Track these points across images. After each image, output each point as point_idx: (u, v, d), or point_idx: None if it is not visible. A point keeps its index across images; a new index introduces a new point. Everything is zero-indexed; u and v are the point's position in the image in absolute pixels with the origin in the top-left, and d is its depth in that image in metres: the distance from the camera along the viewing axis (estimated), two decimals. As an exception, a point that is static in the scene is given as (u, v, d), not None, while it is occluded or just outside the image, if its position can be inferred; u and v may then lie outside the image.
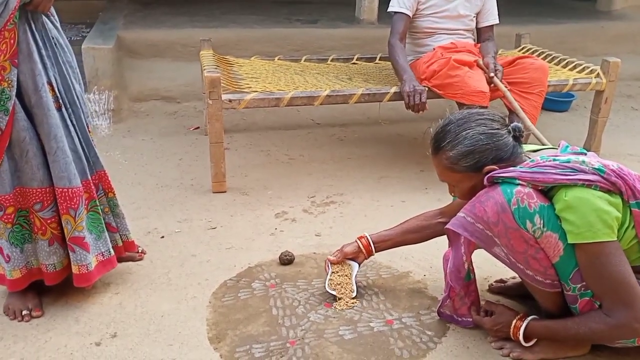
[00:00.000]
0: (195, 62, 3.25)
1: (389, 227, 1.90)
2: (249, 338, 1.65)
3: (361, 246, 1.86)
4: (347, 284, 1.82)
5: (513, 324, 1.56)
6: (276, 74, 2.91)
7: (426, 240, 1.86)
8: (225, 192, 2.58)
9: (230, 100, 2.44)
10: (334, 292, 1.81)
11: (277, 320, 1.72)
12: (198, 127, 3.36)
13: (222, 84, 2.44)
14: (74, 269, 1.72)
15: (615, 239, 1.39)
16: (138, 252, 2.04)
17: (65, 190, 1.65)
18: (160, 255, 2.07)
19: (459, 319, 1.71)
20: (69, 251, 1.71)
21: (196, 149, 3.06)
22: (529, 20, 4.65)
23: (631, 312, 1.40)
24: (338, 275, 1.84)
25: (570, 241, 1.40)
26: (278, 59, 3.17)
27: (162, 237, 2.20)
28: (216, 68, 2.59)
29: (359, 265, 1.88)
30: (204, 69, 2.55)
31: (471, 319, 1.69)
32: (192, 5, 4.75)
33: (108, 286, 1.88)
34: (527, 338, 1.56)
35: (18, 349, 1.59)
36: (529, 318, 1.55)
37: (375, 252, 1.87)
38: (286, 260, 2.02)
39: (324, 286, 1.83)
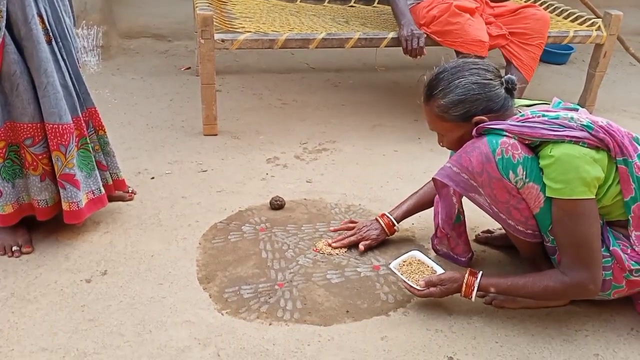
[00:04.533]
0: (187, -1, 3.15)
1: (404, 199, 1.87)
2: (238, 279, 1.67)
3: (383, 225, 1.82)
4: (426, 270, 1.63)
5: (465, 283, 1.52)
6: (271, 14, 2.82)
7: None
8: (216, 135, 2.55)
9: (222, 40, 2.37)
10: (420, 287, 1.56)
11: (266, 263, 1.74)
12: (189, 68, 3.28)
13: (214, 23, 2.36)
14: (64, 206, 1.72)
15: (592, 197, 1.40)
16: (128, 192, 2.03)
17: (56, 126, 1.62)
18: (150, 196, 2.07)
19: (455, 257, 1.77)
20: (60, 188, 1.70)
21: (187, 90, 3.00)
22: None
23: (587, 273, 1.43)
24: (413, 273, 1.62)
25: (547, 195, 1.42)
26: (273, -1, 3.07)
27: (152, 178, 2.19)
28: (209, 6, 2.50)
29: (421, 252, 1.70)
30: (196, 7, 2.46)
31: (464, 259, 1.75)
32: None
33: (98, 225, 1.88)
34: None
35: (8, 284, 1.61)
36: (479, 277, 1.52)
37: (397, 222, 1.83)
38: (277, 205, 2.02)
39: (408, 284, 1.58)
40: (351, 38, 2.51)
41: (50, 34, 1.59)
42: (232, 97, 2.98)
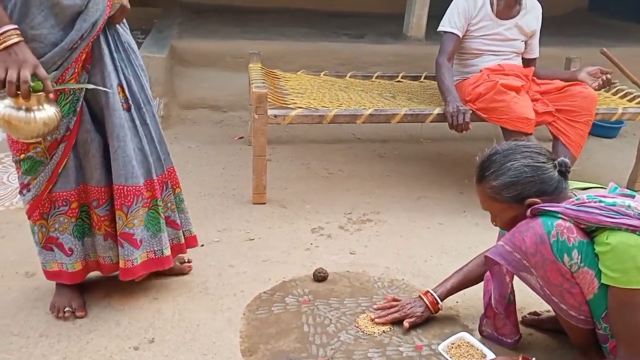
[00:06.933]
0: (243, 73, 3.34)
1: (448, 276, 1.87)
2: (280, 353, 1.69)
3: (427, 303, 1.82)
4: (475, 354, 1.67)
5: None
6: (321, 90, 2.95)
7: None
8: (264, 203, 2.63)
9: (275, 116, 2.50)
10: None
11: (308, 338, 1.76)
12: (242, 137, 3.44)
13: (268, 99, 2.50)
14: (121, 263, 1.80)
15: None
16: (186, 263, 2.10)
17: (122, 187, 1.73)
18: (199, 263, 2.14)
19: (500, 338, 1.74)
20: (118, 246, 1.79)
21: (239, 159, 3.14)
22: (579, 42, 4.55)
23: None
24: (462, 356, 1.66)
25: (603, 282, 1.40)
26: (324, 75, 3.22)
27: (202, 245, 2.26)
28: (263, 83, 2.65)
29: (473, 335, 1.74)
30: (252, 84, 2.62)
31: (511, 340, 1.72)
32: (243, 15, 4.86)
33: (149, 291, 1.95)
34: None
35: (61, 348, 1.68)
36: None
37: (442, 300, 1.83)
38: (320, 277, 2.05)
39: None
40: (397, 114, 2.59)
41: (130, 102, 1.72)
42: (281, 166, 3.09)
